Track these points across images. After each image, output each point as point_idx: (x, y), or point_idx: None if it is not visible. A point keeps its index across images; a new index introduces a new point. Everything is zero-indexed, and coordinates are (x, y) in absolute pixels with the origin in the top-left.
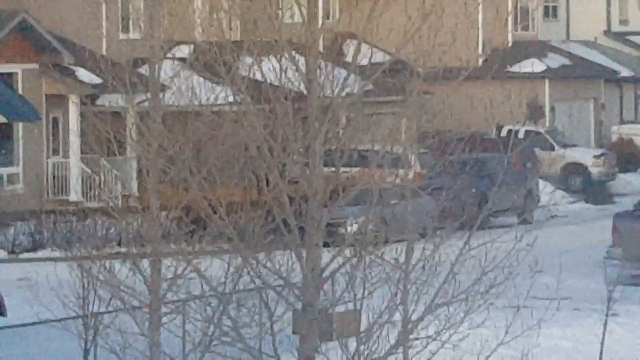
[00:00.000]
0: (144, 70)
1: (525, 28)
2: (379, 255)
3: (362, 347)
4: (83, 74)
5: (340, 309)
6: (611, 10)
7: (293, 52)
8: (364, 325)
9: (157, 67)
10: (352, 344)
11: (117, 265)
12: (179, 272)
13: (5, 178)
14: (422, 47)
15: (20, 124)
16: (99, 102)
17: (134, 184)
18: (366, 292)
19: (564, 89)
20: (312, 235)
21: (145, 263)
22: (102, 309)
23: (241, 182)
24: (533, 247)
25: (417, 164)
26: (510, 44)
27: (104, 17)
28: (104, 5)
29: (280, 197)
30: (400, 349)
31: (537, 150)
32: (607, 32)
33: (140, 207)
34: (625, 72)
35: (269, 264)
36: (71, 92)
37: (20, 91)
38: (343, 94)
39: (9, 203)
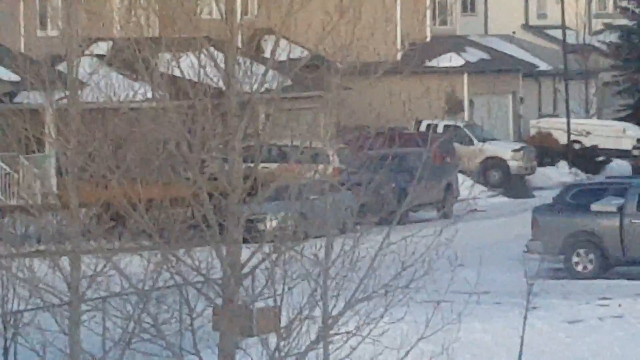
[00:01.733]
0: (62, 67)
1: (444, 22)
2: (299, 251)
3: (282, 342)
4: (1, 71)
5: (260, 305)
6: (529, 4)
7: (211, 49)
8: (284, 321)
9: (75, 64)
10: (273, 339)
11: (36, 263)
12: (98, 269)
13: None
14: (340, 42)
15: None
16: (17, 99)
17: (53, 182)
18: (286, 288)
19: (482, 83)
20: (232, 231)
21: (64, 261)
22: (22, 307)
23: (160, 178)
24: (453, 241)
25: (336, 159)
26: (428, 39)
27: (21, 14)
28: (21, 2)
29: (200, 193)
30: (321, 345)
31: (456, 145)
32: (525, 26)
33: (60, 204)
34: (543, 66)
35: (188, 261)
36: None
37: None
38: (262, 89)
39: None
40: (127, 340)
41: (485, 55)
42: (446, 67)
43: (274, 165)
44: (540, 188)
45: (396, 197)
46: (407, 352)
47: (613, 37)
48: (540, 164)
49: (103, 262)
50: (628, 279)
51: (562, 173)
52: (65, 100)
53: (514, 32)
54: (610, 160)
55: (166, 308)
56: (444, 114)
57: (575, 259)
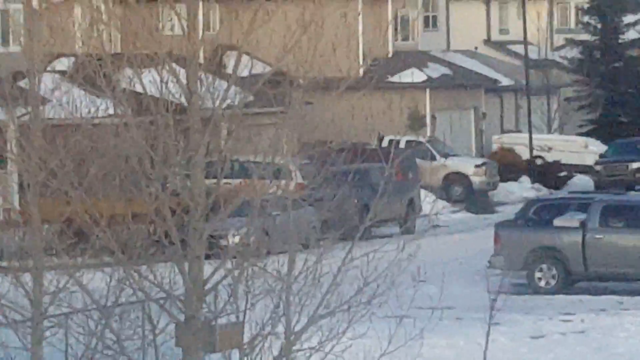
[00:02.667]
0: (24, 83)
1: (406, 38)
2: (262, 266)
3: (245, 358)
4: None
5: (223, 321)
6: (491, 20)
7: (173, 64)
8: (247, 336)
9: (37, 80)
10: (235, 355)
11: None
12: (61, 285)
13: None
14: (302, 58)
15: None
16: None
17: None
18: (249, 304)
19: (444, 99)
20: (194, 247)
21: (27, 277)
22: None
23: (123, 194)
24: (415, 256)
25: (298, 174)
26: (390, 54)
27: None
28: None
29: (162, 209)
30: None
31: (418, 160)
32: (487, 42)
33: (22, 220)
34: (505, 82)
35: (151, 277)
36: None
37: None
38: (224, 105)
39: None
40: (90, 357)
41: (447, 71)
42: (408, 83)
43: (236, 181)
44: (503, 203)
45: (359, 213)
46: None
47: (575, 53)
48: (503, 180)
49: (65, 278)
50: (590, 294)
51: (524, 188)
52: (27, 117)
53: (476, 48)
54: (573, 176)
55: (129, 324)
56: (406, 129)
57: (537, 274)
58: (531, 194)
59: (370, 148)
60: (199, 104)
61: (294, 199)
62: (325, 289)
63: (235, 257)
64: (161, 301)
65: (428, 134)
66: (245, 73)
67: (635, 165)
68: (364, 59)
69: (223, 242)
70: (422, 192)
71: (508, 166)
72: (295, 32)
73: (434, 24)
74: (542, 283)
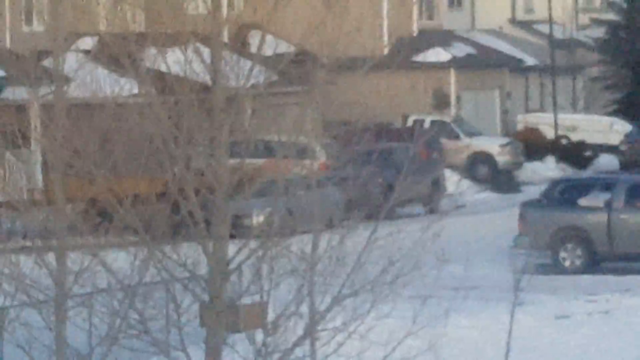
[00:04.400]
0: (48, 62)
1: (430, 17)
2: (286, 246)
3: (269, 338)
4: None
5: (246, 301)
6: None
7: (198, 44)
8: (270, 317)
9: (61, 59)
10: (259, 335)
11: (22, 259)
12: (84, 265)
13: None
14: (326, 37)
15: None
16: (2, 95)
17: (39, 177)
18: (273, 284)
19: (469, 78)
20: (218, 227)
21: (50, 256)
22: (7, 304)
23: (147, 174)
24: (440, 236)
25: (322, 154)
26: (415, 34)
27: (7, 9)
28: None
29: (186, 189)
30: (308, 341)
31: (443, 140)
32: (512, 21)
33: (46, 200)
34: (530, 61)
35: (175, 257)
36: None
37: None
38: (248, 85)
39: None
40: (114, 337)
41: (472, 50)
42: (433, 62)
43: (260, 161)
44: (528, 183)
45: (383, 193)
46: (394, 348)
47: (600, 32)
48: (528, 159)
49: (89, 258)
50: (616, 274)
51: (549, 168)
52: (51, 96)
53: (501, 27)
54: (598, 155)
55: (152, 304)
56: (431, 109)
57: (562, 254)
58: (556, 173)
59: (394, 128)
60: (223, 84)
61: (318, 179)
62: (349, 269)
63: (259, 237)
64: (185, 281)
65: (453, 113)
66: (269, 52)
67: None
68: (388, 38)
69: (247, 222)
70: (447, 171)
71: (533, 146)
72: (319, 11)
73: (459, 3)
74: (567, 263)
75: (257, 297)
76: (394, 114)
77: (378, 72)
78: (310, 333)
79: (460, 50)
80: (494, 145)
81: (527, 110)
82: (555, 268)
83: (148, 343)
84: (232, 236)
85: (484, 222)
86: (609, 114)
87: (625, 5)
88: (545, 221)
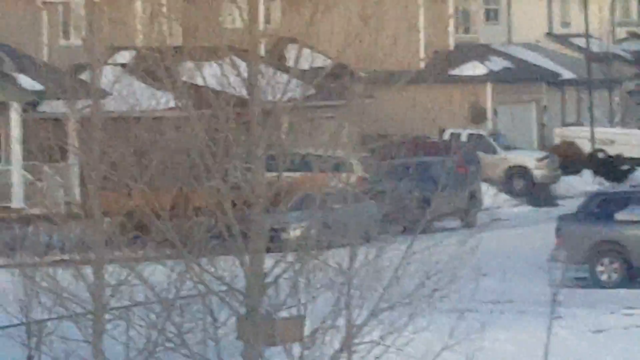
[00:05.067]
0: (85, 76)
1: (467, 31)
2: (322, 260)
3: (306, 352)
4: (24, 80)
5: (284, 314)
6: (553, 13)
7: (234, 57)
8: (307, 330)
9: (98, 73)
10: (296, 349)
11: (60, 272)
12: (122, 278)
13: None
14: (363, 51)
15: None
16: (40, 108)
17: (77, 191)
18: (310, 297)
19: (506, 92)
20: (255, 240)
21: (88, 270)
22: (46, 316)
23: (184, 187)
24: (476, 250)
25: (359, 168)
26: (452, 47)
27: (44, 23)
28: (44, 12)
29: (223, 202)
30: (345, 354)
31: (479, 154)
32: (549, 35)
33: (83, 213)
34: (567, 75)
35: (212, 270)
36: (12, 99)
37: None
38: (285, 98)
39: None
40: (151, 350)
41: (508, 64)
42: (470, 76)
43: (297, 174)
44: (564, 197)
45: (420, 206)
46: None
47: (637, 45)
48: (564, 173)
49: (126, 271)
50: None
51: (586, 182)
52: (88, 109)
53: (537, 41)
54: (635, 169)
55: (190, 317)
56: (468, 122)
57: (599, 268)
58: (593, 187)
59: (431, 141)
60: (259, 97)
61: (354, 192)
62: (386, 283)
63: (296, 250)
64: (222, 294)
65: (489, 127)
66: (306, 66)
67: None
68: (425, 52)
69: (284, 235)
70: (484, 185)
71: (569, 159)
72: (356, 25)
73: (496, 17)
74: (604, 277)
75: (294, 311)
76: (431, 128)
77: (415, 86)
78: (347, 346)
79: (497, 64)
80: (530, 159)
81: (564, 124)
82: (592, 282)
83: (185, 356)
84: (269, 250)
85: (521, 235)
86: None
87: None
88: (582, 235)
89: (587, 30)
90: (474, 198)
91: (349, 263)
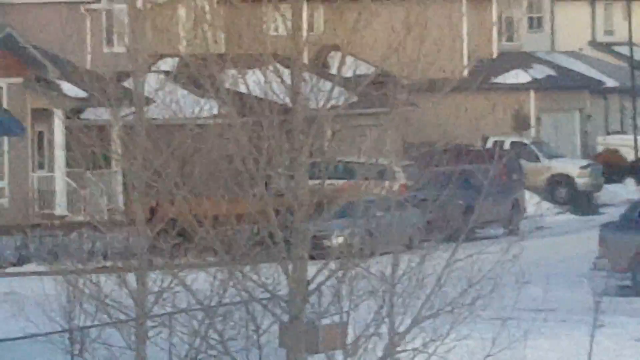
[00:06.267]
0: (128, 83)
1: (510, 39)
2: (365, 267)
3: (348, 359)
4: (68, 87)
5: (326, 321)
6: (596, 21)
7: (278, 65)
8: (350, 337)
9: (141, 80)
10: (339, 356)
11: (103, 279)
12: (165, 285)
13: None
14: (406, 59)
15: (6, 138)
16: (84, 115)
17: (120, 198)
18: (352, 305)
19: (549, 100)
20: (298, 247)
21: (131, 276)
22: (88, 323)
23: (227, 194)
24: (519, 258)
25: (402, 175)
26: (495, 55)
27: (88, 30)
28: (88, 19)
29: (266, 209)
30: None
31: (522, 162)
32: (593, 43)
33: (126, 220)
34: (610, 83)
35: (255, 277)
36: (56, 106)
37: (5, 105)
38: (328, 106)
39: None
40: (193, 357)
41: (552, 72)
42: (513, 84)
43: (340, 182)
44: (607, 205)
45: (462, 214)
46: None
47: None
48: (607, 181)
49: (169, 278)
50: None
51: (629, 190)
52: (131, 117)
53: (580, 49)
54: None
55: (232, 324)
56: (511, 130)
57: None
58: (636, 195)
59: (474, 149)
60: (303, 105)
61: (397, 200)
62: (429, 290)
63: (339, 258)
64: (265, 301)
65: (532, 135)
66: (349, 74)
67: None
68: (468, 60)
69: (327, 243)
70: (527, 193)
71: (613, 168)
72: (399, 32)
73: (539, 25)
74: None
75: (337, 318)
76: (474, 136)
77: (458, 94)
78: (389, 354)
79: (540, 72)
80: (573, 167)
81: (607, 132)
82: (635, 290)
83: None
84: (312, 257)
85: (564, 244)
86: None
87: None
88: (625, 243)
89: (630, 38)
90: (517, 206)
91: (391, 271)
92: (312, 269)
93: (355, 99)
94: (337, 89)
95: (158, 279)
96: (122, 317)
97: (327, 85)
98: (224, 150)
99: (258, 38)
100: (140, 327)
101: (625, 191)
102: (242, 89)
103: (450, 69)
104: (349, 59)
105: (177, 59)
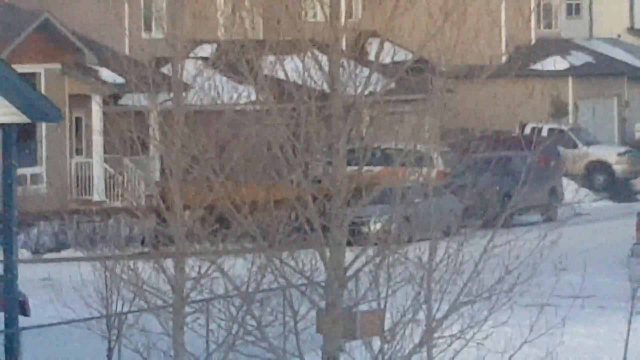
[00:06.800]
0: (166, 69)
1: (548, 26)
2: (403, 254)
3: (386, 346)
4: (106, 73)
5: (364, 307)
6: (635, 7)
7: (316, 51)
8: (387, 324)
9: (179, 66)
10: (376, 343)
11: (140, 265)
12: (202, 271)
13: (28, 178)
14: (444, 45)
15: (44, 124)
16: (121, 101)
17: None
18: (390, 291)
19: (587, 87)
20: (336, 234)
21: (168, 262)
22: (126, 309)
23: (264, 181)
24: (557, 245)
25: (440, 162)
26: (533, 42)
27: (126, 16)
28: (126, 5)
29: (304, 196)
30: (424, 348)
31: (560, 148)
32: (631, 29)
33: (164, 206)
34: None
35: (292, 263)
36: (94, 92)
37: (43, 91)
38: (366, 92)
39: (32, 203)
40: (231, 343)
41: (590, 59)
42: (551, 71)
43: (377, 168)
44: None
45: (500, 201)
46: (511, 356)
47: None
48: None
49: (207, 264)
50: None
51: None
52: (169, 103)
53: (619, 35)
54: None
55: (270, 310)
56: (549, 117)
57: None
58: None
59: (512, 136)
60: (341, 91)
61: (435, 186)
62: (466, 277)
63: (376, 244)
64: (302, 288)
65: (570, 121)
66: (387, 60)
67: None
68: (506, 47)
69: (364, 229)
70: (564, 180)
71: None
72: (437, 19)
73: (577, 12)
74: None
75: (374, 304)
76: (512, 122)
77: (496, 80)
78: (427, 340)
79: (578, 58)
80: (611, 154)
81: None
82: None
83: (265, 349)
84: (349, 243)
85: (602, 230)
86: None
87: None
88: None
89: None
90: (555, 193)
91: (429, 257)
92: (349, 255)
93: (393, 85)
94: (375, 75)
95: (196, 265)
96: (160, 303)
97: (365, 71)
98: (262, 137)
99: (296, 24)
100: (177, 313)
101: None
102: (280, 75)
103: (488, 56)
104: (387, 45)
105: (215, 45)
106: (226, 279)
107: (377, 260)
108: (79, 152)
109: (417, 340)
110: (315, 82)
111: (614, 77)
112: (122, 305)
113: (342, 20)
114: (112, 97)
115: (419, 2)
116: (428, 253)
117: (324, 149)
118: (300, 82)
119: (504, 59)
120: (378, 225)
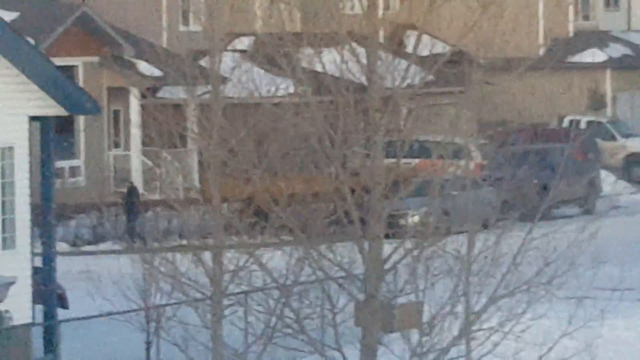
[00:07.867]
0: (204, 62)
1: (586, 18)
2: (441, 246)
3: (424, 338)
4: (144, 66)
5: (402, 300)
6: None
7: (353, 44)
8: (426, 316)
9: (217, 59)
10: (415, 335)
11: (179, 258)
12: (241, 264)
13: (67, 171)
14: (482, 38)
15: (82, 117)
16: (159, 94)
17: (196, 176)
18: (428, 284)
19: (625, 79)
20: (374, 226)
21: (207, 255)
22: (164, 302)
23: (303, 173)
24: (595, 237)
25: (478, 154)
26: (571, 34)
27: (164, 9)
28: None
29: (342, 188)
30: (463, 340)
31: (599, 141)
32: None
33: (202, 199)
34: None
35: (330, 256)
36: (132, 85)
37: (81, 84)
38: (404, 85)
39: (70, 196)
40: (269, 335)
41: (628, 51)
42: (589, 63)
43: (416, 161)
44: None
45: (538, 194)
46: (550, 349)
47: None
48: None
49: (245, 257)
50: None
51: None
52: (207, 95)
53: None
54: None
55: (308, 303)
56: (587, 110)
57: None
58: None
59: (550, 128)
60: (378, 84)
61: (473, 179)
62: (504, 269)
63: (414, 237)
64: (340, 280)
65: (609, 114)
66: (425, 52)
67: None
68: (544, 39)
69: (402, 222)
70: (603, 172)
71: None
72: (475, 11)
73: (615, 4)
74: None
75: (412, 297)
76: (550, 115)
77: (534, 73)
78: (465, 333)
79: (616, 50)
80: None
81: None
82: None
83: (303, 342)
84: (387, 236)
85: None
86: None
87: None
88: None
89: None
90: (593, 185)
91: (467, 250)
92: (387, 247)
93: (431, 77)
94: (412, 68)
95: (234, 258)
96: (198, 295)
97: (403, 64)
98: (300, 129)
99: (334, 17)
100: (216, 305)
101: None
102: (318, 67)
103: (526, 48)
104: (425, 38)
105: (253, 38)
106: (264, 272)
107: (415, 253)
108: (117, 144)
109: (455, 332)
110: (353, 75)
111: None
112: (161, 297)
113: (380, 12)
114: (150, 90)
115: None
116: (466, 246)
117: (361, 141)
118: (338, 74)
119: (541, 51)
120: (416, 218)
